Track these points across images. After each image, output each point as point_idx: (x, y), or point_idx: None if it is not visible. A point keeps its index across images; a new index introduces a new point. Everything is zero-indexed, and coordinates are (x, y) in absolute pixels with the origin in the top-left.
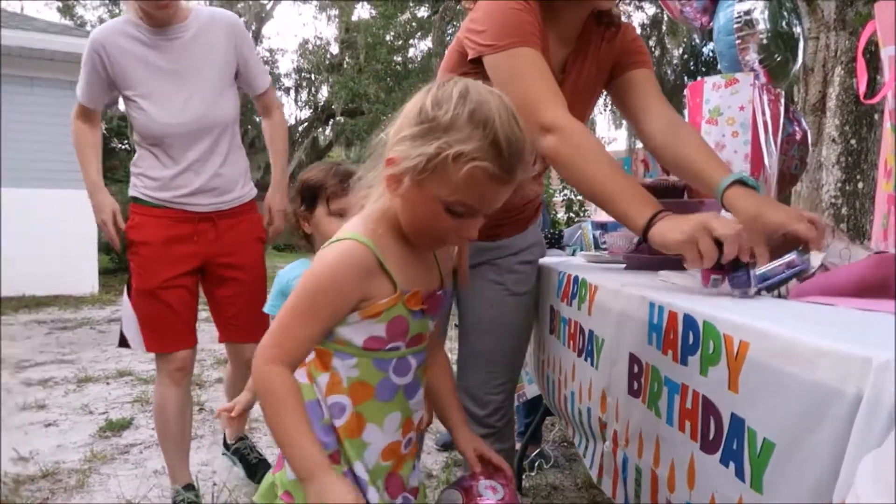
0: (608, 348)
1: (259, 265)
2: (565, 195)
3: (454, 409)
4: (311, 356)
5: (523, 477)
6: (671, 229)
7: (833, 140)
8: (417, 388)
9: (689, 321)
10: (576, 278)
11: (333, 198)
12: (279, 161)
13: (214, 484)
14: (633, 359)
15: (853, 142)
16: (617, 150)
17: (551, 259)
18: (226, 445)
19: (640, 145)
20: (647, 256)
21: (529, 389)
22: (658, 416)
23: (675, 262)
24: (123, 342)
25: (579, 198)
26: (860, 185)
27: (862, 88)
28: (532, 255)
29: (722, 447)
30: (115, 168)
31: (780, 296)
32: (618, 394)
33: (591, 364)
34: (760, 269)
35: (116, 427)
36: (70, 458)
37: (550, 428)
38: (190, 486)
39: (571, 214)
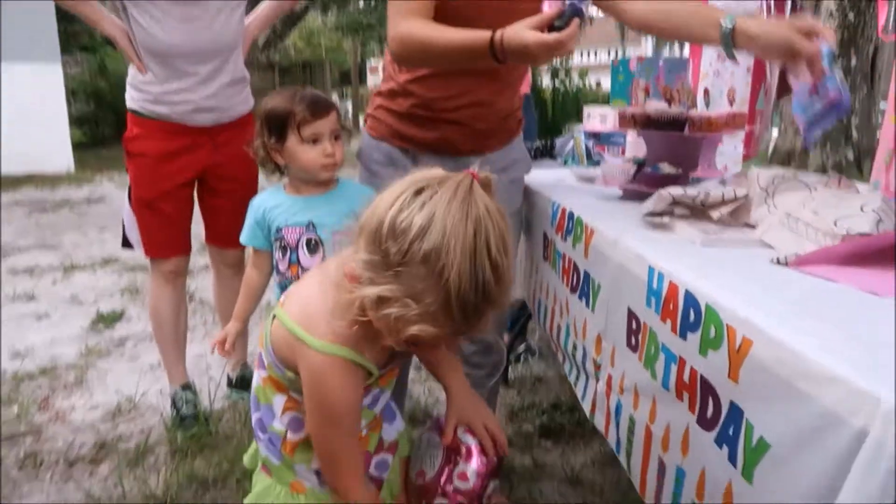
0: (605, 295)
1: (254, 178)
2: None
3: (450, 371)
4: (265, 374)
5: (510, 369)
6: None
7: (830, 14)
8: (381, 395)
9: (691, 299)
10: (570, 214)
11: (304, 124)
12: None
13: (210, 378)
14: (632, 314)
15: (851, 16)
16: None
17: (542, 177)
18: (230, 382)
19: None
20: (645, 189)
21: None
22: (654, 377)
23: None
24: (126, 243)
25: (567, 66)
26: (853, 61)
27: (881, 22)
28: (518, 172)
29: (718, 429)
30: (77, 34)
31: (780, 262)
32: (614, 341)
33: (587, 305)
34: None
35: (108, 320)
36: (66, 353)
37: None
38: (187, 386)
39: (557, 84)
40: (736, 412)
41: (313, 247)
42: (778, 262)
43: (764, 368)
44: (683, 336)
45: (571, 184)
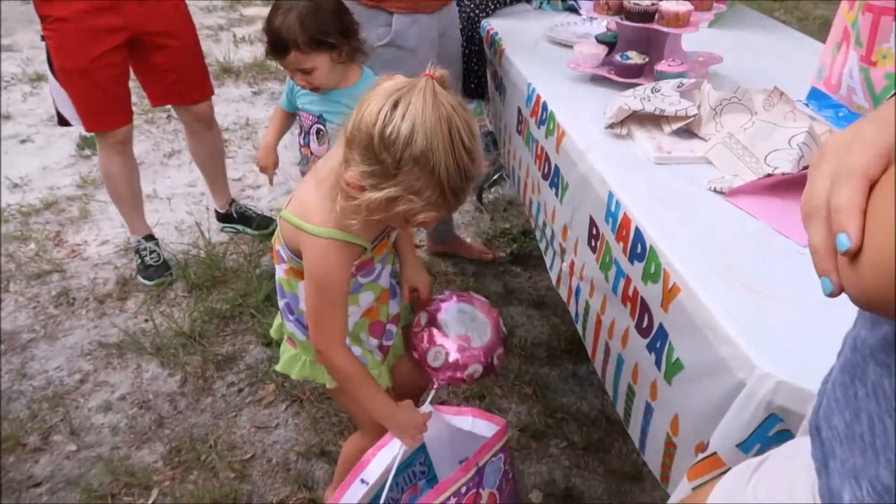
0: (571, 195)
1: (189, 27)
2: None
3: (407, 248)
4: (286, 266)
5: (483, 193)
6: None
7: None
8: (382, 271)
9: (639, 236)
10: (545, 105)
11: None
12: None
13: (207, 208)
14: (593, 222)
15: None
16: None
17: (516, 33)
18: (219, 217)
19: None
20: (614, 77)
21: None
22: (606, 281)
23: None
24: (63, 121)
25: None
26: None
27: None
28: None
29: (650, 338)
30: None
31: (716, 191)
32: (578, 236)
33: (556, 195)
34: None
35: (92, 144)
36: (62, 184)
37: None
38: (150, 237)
39: None
40: (663, 332)
41: (321, 137)
42: (715, 190)
43: (685, 311)
44: (632, 261)
45: (546, 49)
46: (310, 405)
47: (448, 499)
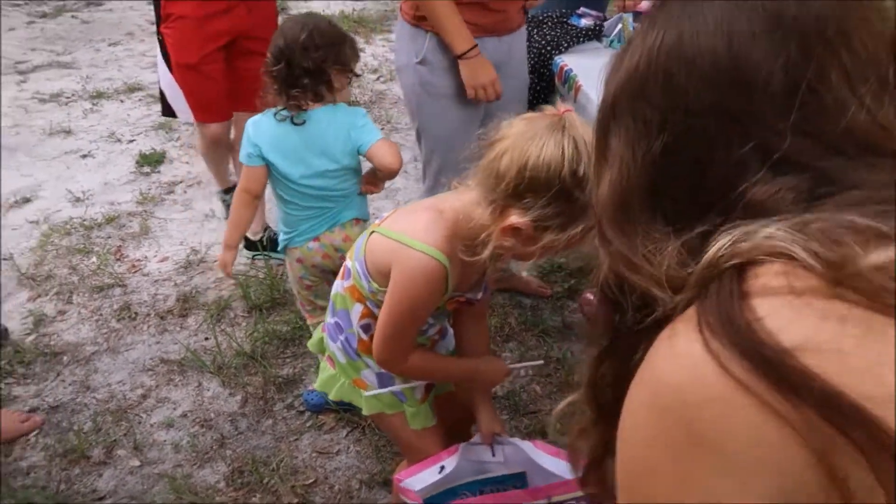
0: None
1: None
2: None
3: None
4: (348, 284)
5: None
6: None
7: None
8: (436, 321)
9: None
10: None
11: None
12: None
13: (265, 228)
14: None
15: None
16: None
17: (591, 69)
18: (250, 245)
19: None
20: None
21: None
22: None
23: None
24: (169, 111)
25: None
26: None
27: None
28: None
29: None
30: None
31: None
32: None
33: None
34: None
35: (152, 162)
36: (122, 199)
37: None
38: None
39: None
40: None
41: None
42: None
43: None
44: None
45: None
46: (371, 433)
47: None
